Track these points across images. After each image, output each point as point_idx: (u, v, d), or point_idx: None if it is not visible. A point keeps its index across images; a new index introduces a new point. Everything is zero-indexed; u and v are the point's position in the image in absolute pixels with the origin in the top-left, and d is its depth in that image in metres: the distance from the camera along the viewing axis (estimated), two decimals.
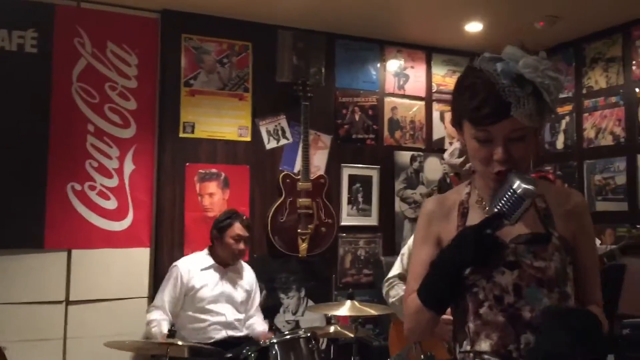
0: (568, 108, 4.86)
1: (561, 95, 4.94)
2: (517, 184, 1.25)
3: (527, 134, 1.34)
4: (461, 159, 2.37)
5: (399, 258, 2.60)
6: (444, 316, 2.21)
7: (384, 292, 2.60)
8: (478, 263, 1.30)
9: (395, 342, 2.55)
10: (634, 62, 4.34)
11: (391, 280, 2.57)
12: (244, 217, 3.64)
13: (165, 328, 3.22)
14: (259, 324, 3.59)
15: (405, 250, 2.56)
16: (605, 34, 4.55)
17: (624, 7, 4.12)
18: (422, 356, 2.36)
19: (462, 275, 1.32)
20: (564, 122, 4.88)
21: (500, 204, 1.27)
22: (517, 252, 1.36)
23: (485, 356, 1.37)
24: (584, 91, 4.73)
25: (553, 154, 4.94)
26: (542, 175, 3.96)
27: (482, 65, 1.34)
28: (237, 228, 3.54)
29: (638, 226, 4.20)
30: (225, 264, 3.57)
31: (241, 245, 3.54)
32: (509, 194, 1.26)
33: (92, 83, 3.91)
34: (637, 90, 4.31)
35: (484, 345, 1.37)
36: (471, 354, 1.40)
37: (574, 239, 1.41)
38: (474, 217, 1.42)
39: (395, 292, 2.50)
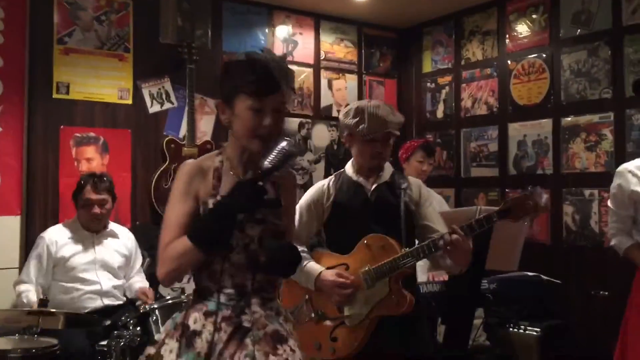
0: (448, 79, 5.08)
1: (441, 66, 5.16)
2: (286, 143, 1.60)
3: (285, 110, 1.72)
4: (356, 119, 2.39)
5: None
6: (338, 279, 2.30)
7: None
8: (251, 209, 1.63)
9: (285, 301, 2.54)
10: (507, 35, 4.60)
11: None
12: (100, 179, 3.35)
13: (33, 296, 3.03)
14: (138, 283, 3.46)
15: (296, 209, 2.51)
16: (482, 8, 4.78)
17: None
18: (312, 314, 2.40)
19: (235, 221, 1.61)
20: (443, 92, 5.10)
21: (274, 162, 1.59)
22: (263, 211, 1.71)
23: (226, 290, 1.69)
24: (462, 62, 4.96)
25: (433, 122, 5.16)
26: (424, 142, 4.13)
27: (252, 55, 1.70)
28: (87, 192, 3.30)
29: (507, 190, 4.51)
30: (96, 230, 3.39)
31: (95, 209, 3.29)
32: (282, 151, 1.59)
33: None
34: (509, 62, 4.58)
35: (227, 282, 1.69)
36: (215, 289, 1.69)
37: (286, 202, 1.81)
38: (227, 182, 1.70)
39: None
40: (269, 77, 1.64)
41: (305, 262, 2.42)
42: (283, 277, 1.92)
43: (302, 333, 2.35)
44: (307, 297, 2.44)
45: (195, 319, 1.68)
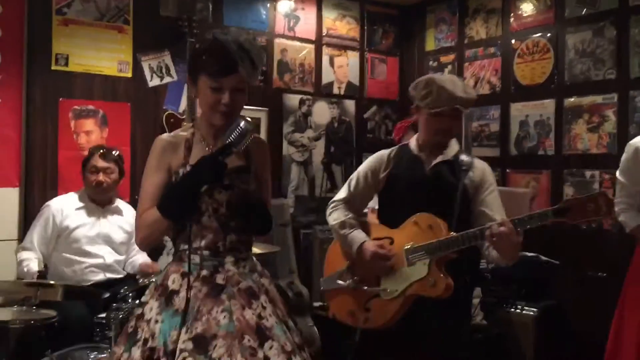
0: (451, 57, 5.03)
1: (444, 45, 5.10)
2: (243, 122, 1.78)
3: (245, 88, 1.84)
4: (424, 92, 2.32)
5: (347, 182, 2.57)
6: (380, 251, 2.30)
7: (327, 213, 2.57)
8: (213, 181, 1.78)
9: (330, 263, 2.58)
10: (512, 14, 4.55)
11: (336, 204, 2.54)
12: (109, 150, 3.41)
13: (35, 266, 3.04)
14: (140, 259, 3.46)
15: (354, 175, 2.55)
16: None
17: None
18: (350, 281, 2.44)
19: (199, 193, 1.79)
20: (446, 71, 5.05)
21: (231, 137, 1.76)
22: (231, 177, 1.85)
23: (199, 251, 1.85)
24: (466, 41, 4.91)
25: None
26: (415, 120, 4.11)
27: (216, 36, 1.83)
28: (94, 159, 3.33)
29: (508, 170, 4.50)
30: (102, 203, 3.39)
31: (100, 177, 3.31)
32: (238, 129, 1.76)
33: None
34: (513, 41, 4.53)
35: (201, 244, 1.85)
36: (188, 251, 1.83)
37: (260, 166, 1.99)
38: (197, 152, 1.87)
39: (337, 215, 2.49)
40: (227, 59, 1.78)
41: (351, 230, 2.43)
42: (257, 234, 2.04)
43: (338, 297, 2.49)
44: (349, 263, 2.48)
45: (173, 280, 1.84)
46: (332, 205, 2.56)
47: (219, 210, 1.85)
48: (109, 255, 3.33)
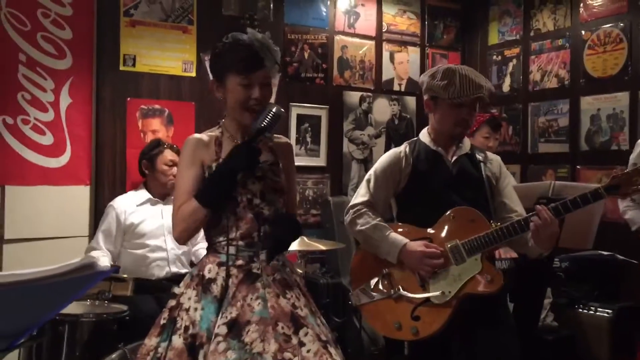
0: (515, 51, 4.89)
1: (509, 38, 4.96)
2: (275, 108, 1.87)
3: (270, 83, 1.93)
4: (444, 82, 2.23)
5: (364, 184, 2.40)
6: (428, 250, 2.19)
7: (347, 219, 2.38)
8: (248, 168, 1.86)
9: (359, 274, 2.37)
10: (581, 4, 4.37)
11: (358, 208, 2.35)
12: (170, 143, 3.51)
13: (106, 262, 3.11)
14: (202, 249, 3.49)
15: (371, 177, 2.39)
16: None
17: None
18: (392, 291, 2.27)
19: (236, 179, 1.85)
20: (510, 65, 4.91)
21: (264, 122, 1.83)
22: (263, 169, 1.94)
23: (235, 242, 1.90)
24: (532, 34, 4.76)
25: (499, 96, 4.97)
26: (490, 116, 3.99)
27: (239, 37, 1.91)
28: (169, 154, 3.41)
29: (578, 167, 4.33)
30: (163, 196, 3.45)
31: (175, 171, 3.33)
32: (270, 115, 1.84)
33: (22, 9, 3.62)
34: (583, 33, 4.36)
35: (236, 235, 1.90)
36: (224, 242, 1.90)
37: (286, 170, 2.04)
38: (227, 148, 1.92)
39: (365, 220, 2.31)
40: (253, 56, 1.87)
41: (387, 232, 2.28)
42: (285, 244, 1.98)
43: (379, 311, 2.28)
44: (385, 271, 2.30)
45: (209, 269, 1.88)
46: (354, 210, 2.36)
47: (253, 201, 1.90)
48: (174, 247, 3.37)
